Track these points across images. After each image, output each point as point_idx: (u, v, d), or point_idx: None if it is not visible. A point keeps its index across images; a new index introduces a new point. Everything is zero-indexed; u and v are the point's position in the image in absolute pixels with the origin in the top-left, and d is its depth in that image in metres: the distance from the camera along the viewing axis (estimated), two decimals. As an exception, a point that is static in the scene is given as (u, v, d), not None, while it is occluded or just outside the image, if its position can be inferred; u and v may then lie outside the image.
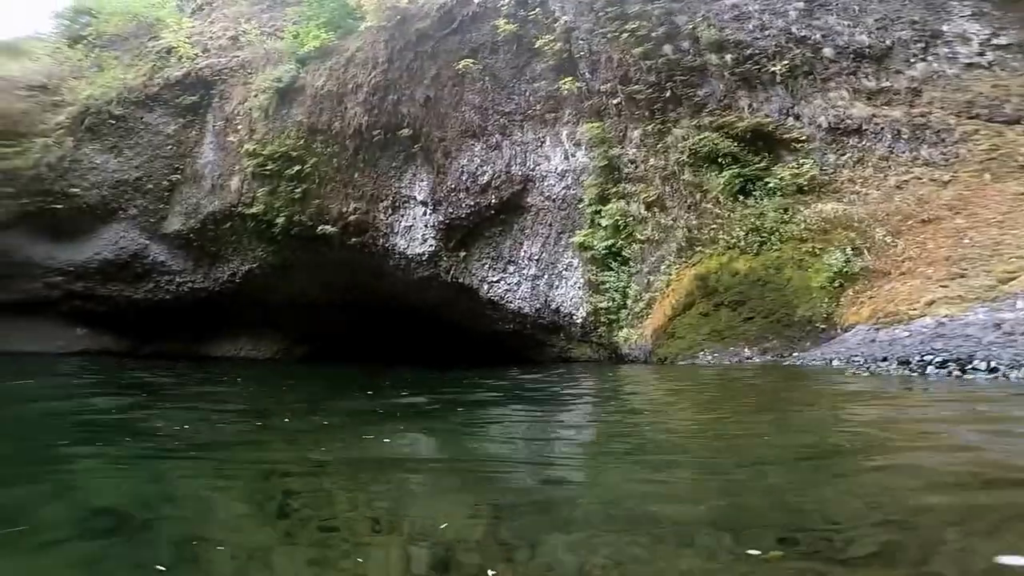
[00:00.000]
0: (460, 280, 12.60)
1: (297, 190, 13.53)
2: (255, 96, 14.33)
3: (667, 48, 10.24)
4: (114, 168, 14.08)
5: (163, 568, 1.61)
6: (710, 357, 8.19)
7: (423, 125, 12.70)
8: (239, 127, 14.27)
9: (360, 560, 1.72)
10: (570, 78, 11.28)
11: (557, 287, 11.18)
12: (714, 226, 9.38)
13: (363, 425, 4.52)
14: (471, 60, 12.07)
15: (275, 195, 13.58)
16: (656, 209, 10.11)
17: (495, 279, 12.09)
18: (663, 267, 9.69)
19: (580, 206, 11.09)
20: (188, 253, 14.50)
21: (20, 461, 3.11)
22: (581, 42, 11.21)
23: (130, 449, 3.51)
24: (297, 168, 13.51)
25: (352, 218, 13.37)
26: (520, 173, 11.88)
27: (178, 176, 14.36)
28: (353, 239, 13.33)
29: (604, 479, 2.76)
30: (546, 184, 11.64)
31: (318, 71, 13.88)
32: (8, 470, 2.91)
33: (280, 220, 13.38)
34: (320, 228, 13.30)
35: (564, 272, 11.11)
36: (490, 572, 1.54)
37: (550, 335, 11.85)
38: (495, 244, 12.21)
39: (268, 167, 13.61)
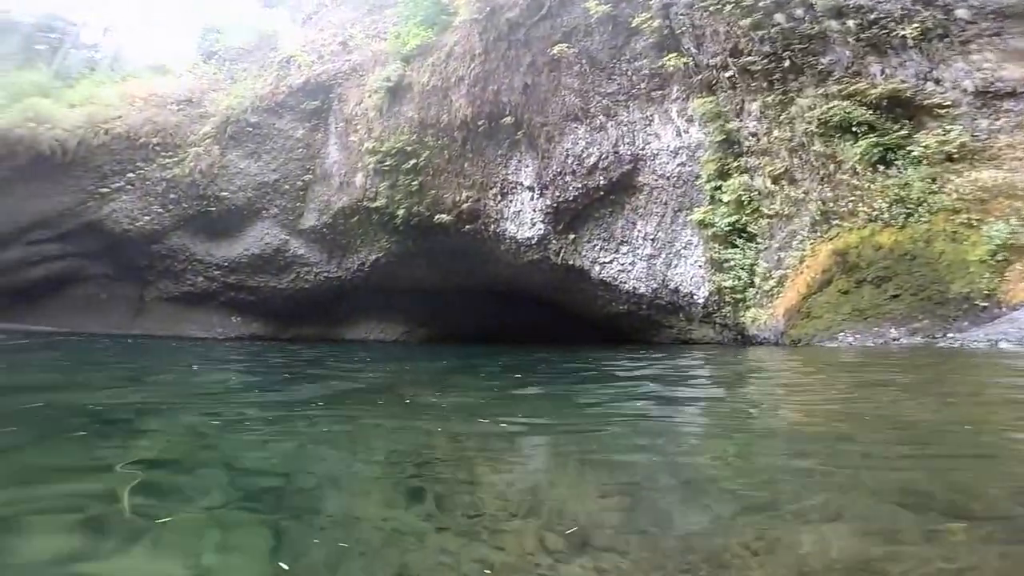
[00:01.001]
0: (570, 262, 12.85)
1: (414, 183, 14.30)
2: (369, 97, 15.24)
3: (779, 17, 9.78)
4: (255, 172, 15.59)
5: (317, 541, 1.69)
6: (851, 338, 7.88)
7: (524, 112, 12.97)
8: (358, 127, 15.24)
9: (494, 533, 1.72)
10: (674, 54, 11.07)
11: (675, 266, 11.13)
12: (852, 198, 8.94)
13: (485, 402, 4.57)
14: (565, 44, 12.15)
15: (395, 188, 14.43)
16: (784, 182, 9.76)
17: (607, 260, 12.23)
18: (795, 242, 9.38)
19: (697, 183, 10.92)
20: (323, 246, 15.77)
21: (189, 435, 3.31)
22: (681, 17, 10.92)
23: (282, 423, 3.67)
24: (413, 162, 14.24)
25: (465, 206, 13.96)
26: (629, 153, 11.86)
27: (310, 176, 15.61)
28: (466, 226, 13.94)
29: (746, 458, 2.64)
30: (658, 162, 11.56)
31: (422, 68, 14.49)
32: (176, 445, 3.10)
33: (400, 212, 14.24)
34: (437, 217, 14.03)
35: (683, 251, 11.03)
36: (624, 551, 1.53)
37: (668, 316, 11.83)
38: (606, 225, 12.31)
39: (387, 163, 14.47)
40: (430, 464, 2.61)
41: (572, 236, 12.74)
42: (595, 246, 12.42)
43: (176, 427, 3.38)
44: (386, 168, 14.54)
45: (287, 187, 15.58)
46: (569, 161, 12.51)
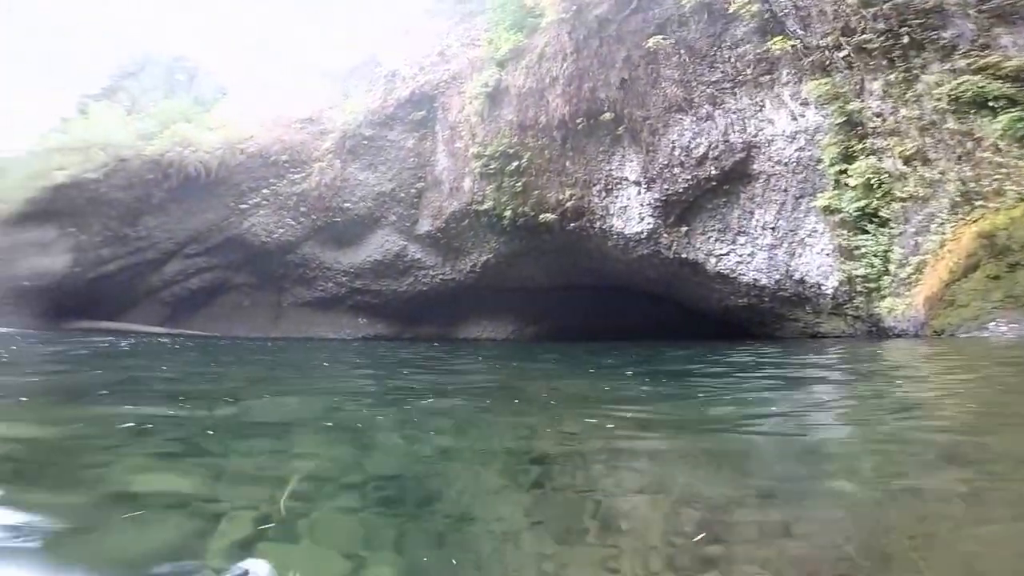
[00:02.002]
0: (683, 255, 12.94)
1: (518, 184, 14.87)
2: (469, 103, 15.96)
3: (888, -7, 9.46)
4: (373, 182, 16.85)
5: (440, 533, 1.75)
6: (1004, 328, 7.48)
7: (624, 107, 13.13)
8: (462, 133, 16.02)
9: (618, 526, 1.71)
10: (779, 37, 10.92)
11: (799, 255, 10.99)
12: (997, 176, 8.52)
13: (598, 398, 4.53)
14: (660, 36, 12.21)
15: (500, 191, 15.08)
16: (917, 163, 9.43)
17: (723, 252, 12.22)
18: (933, 226, 9.05)
19: (819, 167, 10.73)
20: (437, 250, 16.80)
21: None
22: (783, 0, 10.74)
23: (405, 418, 3.78)
24: (515, 164, 14.80)
25: (568, 204, 14.36)
26: (740, 140, 11.80)
27: (422, 183, 16.65)
28: (571, 224, 14.34)
29: (890, 453, 2.51)
30: (774, 148, 11.43)
31: (516, 71, 14.99)
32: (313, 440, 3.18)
33: (507, 213, 14.87)
34: (541, 217, 14.53)
35: (807, 239, 10.87)
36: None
37: (793, 308, 11.68)
38: (721, 216, 12.31)
39: (491, 166, 15.13)
40: (544, 464, 2.60)
41: (684, 229, 12.83)
42: (710, 238, 12.45)
43: (313, 426, 3.54)
44: (491, 171, 15.21)
45: (403, 195, 16.72)
46: (676, 153, 12.60)
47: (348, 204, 16.92)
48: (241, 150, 17.73)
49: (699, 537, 1.55)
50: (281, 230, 17.49)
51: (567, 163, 14.44)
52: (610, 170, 13.88)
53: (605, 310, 16.35)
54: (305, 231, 17.47)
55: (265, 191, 17.46)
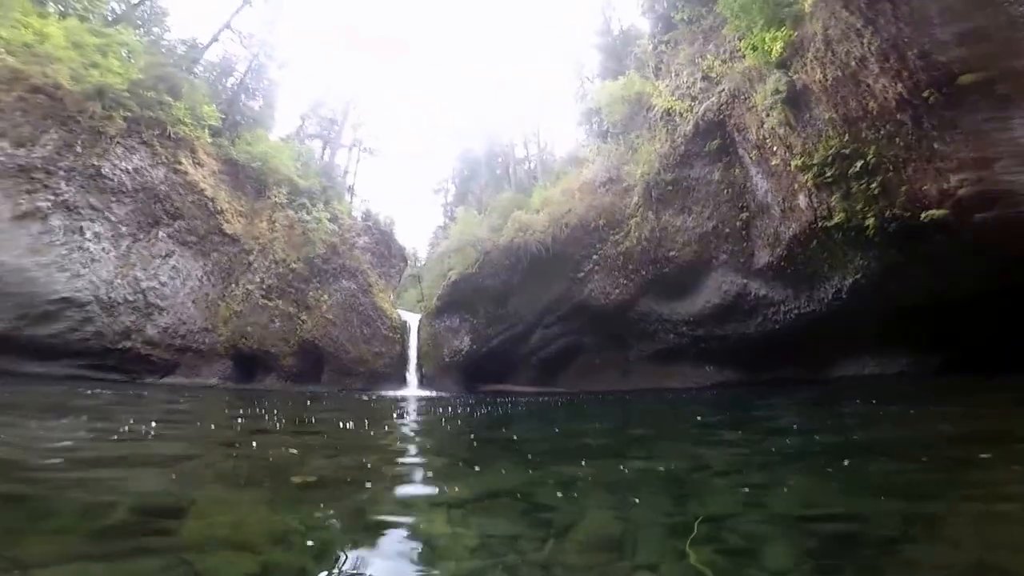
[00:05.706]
0: None
1: (872, 185, 12.34)
2: (767, 116, 14.23)
3: None
4: (692, 225, 16.36)
5: None
6: None
7: (987, 61, 9.71)
8: (774, 149, 14.25)
9: None
10: None
11: None
12: None
13: None
14: None
15: (850, 199, 12.79)
16: None
17: None
18: None
19: None
20: (784, 281, 14.98)
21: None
22: None
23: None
24: (860, 163, 12.33)
25: (960, 192, 11.15)
26: None
27: (746, 214, 15.27)
28: (976, 215, 11.07)
29: None
30: None
31: (805, 67, 12.76)
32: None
33: (870, 222, 12.39)
34: (924, 215, 11.64)
35: None
36: None
37: None
38: None
39: (827, 174, 12.99)
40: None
41: None
42: None
43: (730, 480, 3.62)
44: (828, 180, 13.07)
45: (727, 231, 15.68)
46: None
47: (672, 252, 16.83)
48: (565, 224, 19.70)
49: None
50: (616, 291, 18.52)
51: (935, 145, 11.44)
52: (1015, 138, 10.40)
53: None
54: (637, 287, 18.07)
55: (595, 257, 18.89)
